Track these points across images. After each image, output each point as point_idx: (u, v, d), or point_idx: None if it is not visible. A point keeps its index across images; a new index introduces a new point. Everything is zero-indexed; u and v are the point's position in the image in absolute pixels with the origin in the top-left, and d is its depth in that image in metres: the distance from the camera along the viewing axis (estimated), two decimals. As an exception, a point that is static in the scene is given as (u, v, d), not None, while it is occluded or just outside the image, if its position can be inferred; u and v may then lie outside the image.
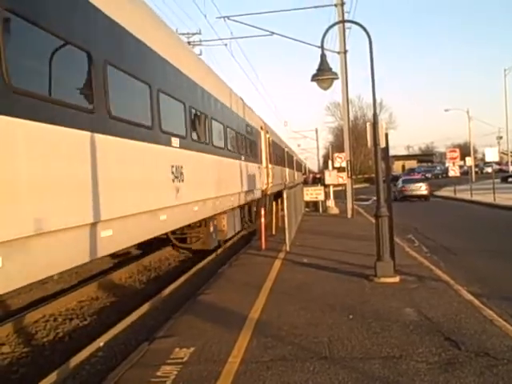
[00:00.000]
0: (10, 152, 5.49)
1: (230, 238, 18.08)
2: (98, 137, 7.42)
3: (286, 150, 41.26)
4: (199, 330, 7.37)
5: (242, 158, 19.32)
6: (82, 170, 7.01)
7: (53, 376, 6.48)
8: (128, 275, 13.55)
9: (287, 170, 39.66)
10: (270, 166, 27.17)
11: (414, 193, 38.91)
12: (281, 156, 35.59)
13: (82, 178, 7.00)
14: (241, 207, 19.51)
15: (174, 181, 10.80)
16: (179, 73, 11.88)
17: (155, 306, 10.05)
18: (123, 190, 8.34)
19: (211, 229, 15.17)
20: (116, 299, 11.17)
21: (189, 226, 14.10)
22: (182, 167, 11.28)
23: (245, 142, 20.47)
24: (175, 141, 11.07)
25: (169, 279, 12.65)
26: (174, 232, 14.29)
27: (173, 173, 10.76)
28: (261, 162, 24.85)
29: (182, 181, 11.29)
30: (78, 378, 6.70)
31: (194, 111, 12.86)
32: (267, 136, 27.51)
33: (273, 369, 5.77)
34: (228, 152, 16.77)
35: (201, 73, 14.58)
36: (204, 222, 14.88)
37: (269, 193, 26.46)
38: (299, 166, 64.66)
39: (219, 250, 16.48)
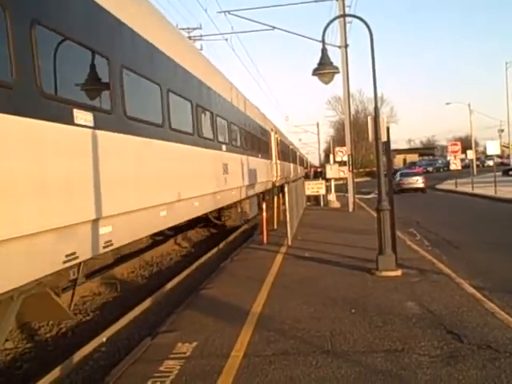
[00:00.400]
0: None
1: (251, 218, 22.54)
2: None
3: (291, 147, 45.33)
4: (202, 325, 7.38)
5: (259, 155, 24.21)
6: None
7: (56, 371, 6.50)
8: (130, 270, 13.57)
9: (291, 164, 43.48)
10: (278, 161, 30.59)
11: (411, 186, 40.12)
12: (286, 152, 39.54)
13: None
14: (257, 195, 23.89)
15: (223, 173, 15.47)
16: (223, 99, 16.60)
17: (158, 300, 10.07)
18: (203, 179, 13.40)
19: (239, 210, 19.79)
20: (118, 294, 11.20)
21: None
22: (227, 165, 15.99)
23: (260, 143, 25.45)
24: (224, 147, 15.94)
25: (171, 274, 12.67)
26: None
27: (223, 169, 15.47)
28: (271, 159, 28.62)
29: (228, 173, 16.02)
30: (81, 373, 6.72)
31: (236, 127, 18.59)
32: (276, 136, 31.12)
33: (275, 363, 5.78)
34: (252, 152, 21.70)
35: (230, 91, 18.44)
36: (235, 204, 18.94)
37: (277, 184, 29.38)
38: (302, 161, 67.22)
39: (221, 245, 16.54)
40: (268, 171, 26.85)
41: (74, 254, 6.52)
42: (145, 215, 8.98)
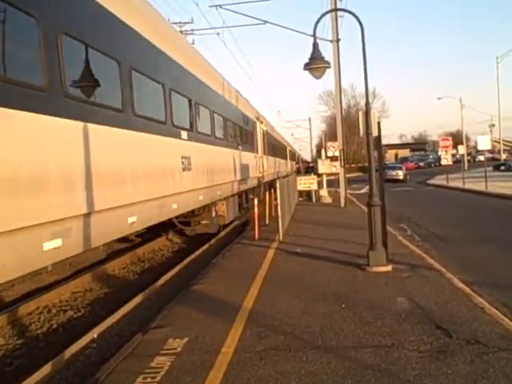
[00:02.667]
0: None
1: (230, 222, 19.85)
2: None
3: (281, 140, 44.20)
4: (193, 321, 7.41)
5: (240, 148, 20.69)
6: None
7: (47, 367, 6.50)
8: (122, 266, 13.56)
9: (281, 160, 41.69)
10: (264, 156, 27.97)
11: (393, 177, 48.59)
12: (276, 146, 37.44)
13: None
14: (238, 194, 20.94)
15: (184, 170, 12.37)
16: (188, 73, 13.37)
17: (149, 296, 10.07)
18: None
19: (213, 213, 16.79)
20: (110, 290, 11.19)
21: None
22: (189, 158, 12.83)
23: (242, 133, 21.97)
24: (184, 134, 12.47)
25: (162, 270, 12.67)
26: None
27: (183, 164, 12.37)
28: (256, 152, 25.64)
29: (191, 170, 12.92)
30: (73, 369, 6.72)
31: (206, 111, 15.17)
32: (262, 126, 28.27)
33: (266, 358, 5.81)
34: (228, 143, 18.31)
35: (205, 69, 15.92)
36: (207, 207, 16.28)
37: (264, 181, 27.25)
38: (293, 156, 65.93)
39: (212, 241, 16.52)
40: (253, 167, 23.82)
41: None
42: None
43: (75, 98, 7.26)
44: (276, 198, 15.78)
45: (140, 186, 9.37)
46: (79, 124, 7.26)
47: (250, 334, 6.65)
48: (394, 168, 53.18)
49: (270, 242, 14.10)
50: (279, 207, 15.00)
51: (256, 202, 16.42)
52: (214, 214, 16.46)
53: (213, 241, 16.56)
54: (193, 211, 14.86)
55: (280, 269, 10.71)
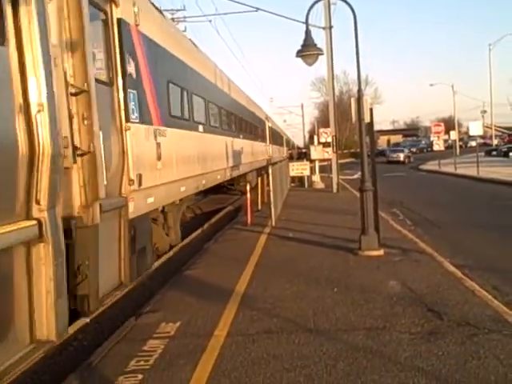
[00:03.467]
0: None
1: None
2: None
3: (278, 130, 51.81)
4: (185, 305, 7.43)
5: (259, 139, 28.92)
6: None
7: (39, 352, 6.49)
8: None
9: (280, 147, 48.82)
10: (269, 145, 34.72)
11: (395, 159, 55.98)
12: (276, 136, 45.20)
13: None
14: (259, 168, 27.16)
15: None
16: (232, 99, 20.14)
17: (141, 281, 10.07)
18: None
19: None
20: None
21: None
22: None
23: (258, 130, 29.25)
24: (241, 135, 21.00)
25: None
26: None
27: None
28: (266, 142, 32.30)
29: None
30: (66, 353, 6.73)
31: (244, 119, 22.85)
32: (268, 124, 35.39)
33: (258, 341, 5.84)
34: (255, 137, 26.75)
35: (237, 92, 22.40)
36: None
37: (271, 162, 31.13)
38: (288, 143, 68.40)
39: (205, 226, 16.55)
40: (264, 152, 31.01)
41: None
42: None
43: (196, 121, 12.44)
44: (268, 184, 15.79)
45: (218, 162, 15.28)
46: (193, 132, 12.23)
47: (243, 318, 6.68)
48: (395, 151, 60.13)
49: (263, 228, 14.13)
50: (272, 193, 15.01)
51: (248, 187, 16.42)
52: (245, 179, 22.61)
53: (205, 226, 16.57)
54: (234, 178, 20.25)
55: (272, 254, 10.74)
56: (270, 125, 37.80)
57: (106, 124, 6.60)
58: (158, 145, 8.81)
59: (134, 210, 7.31)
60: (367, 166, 10.41)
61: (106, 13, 6.98)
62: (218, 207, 21.69)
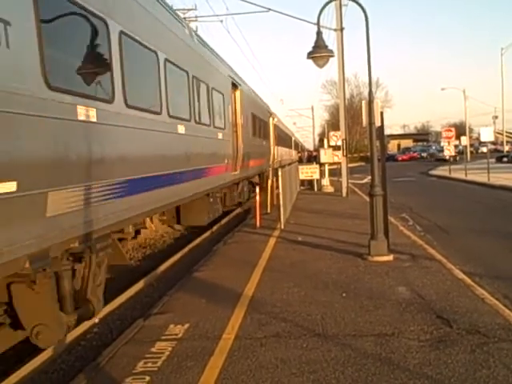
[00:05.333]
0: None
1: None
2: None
3: (287, 132, 49.39)
4: (194, 307, 7.43)
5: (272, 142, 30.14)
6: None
7: (49, 351, 6.53)
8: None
9: (287, 149, 45.19)
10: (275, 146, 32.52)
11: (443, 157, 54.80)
12: (282, 137, 40.67)
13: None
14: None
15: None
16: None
17: (150, 282, 10.11)
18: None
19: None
20: (111, 276, 11.20)
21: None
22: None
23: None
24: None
25: (164, 256, 12.69)
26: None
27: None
28: (269, 141, 29.39)
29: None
30: (74, 353, 6.77)
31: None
32: (273, 121, 32.25)
33: (266, 345, 5.84)
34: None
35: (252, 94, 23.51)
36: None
37: (277, 163, 31.08)
38: (297, 145, 67.65)
39: (214, 228, 16.56)
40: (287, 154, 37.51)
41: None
42: None
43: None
44: (278, 187, 15.78)
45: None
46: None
47: (251, 321, 6.67)
48: (442, 150, 59.79)
49: (272, 230, 14.11)
50: (281, 196, 15.00)
51: (258, 190, 16.42)
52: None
53: (214, 228, 16.59)
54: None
55: (281, 257, 10.72)
56: (290, 134, 40.26)
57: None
58: (277, 150, 22.68)
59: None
60: (377, 170, 10.39)
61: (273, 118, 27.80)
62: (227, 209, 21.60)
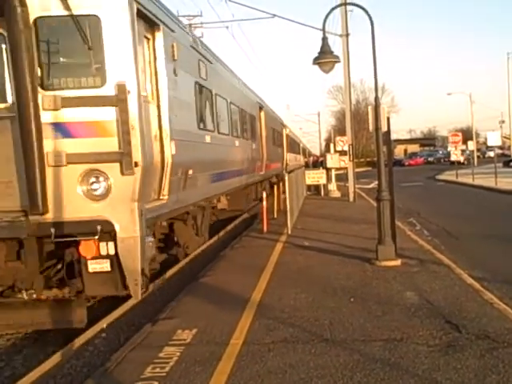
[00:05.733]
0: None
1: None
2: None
3: (296, 140, 53.04)
4: (201, 312, 7.43)
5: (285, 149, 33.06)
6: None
7: (57, 356, 6.54)
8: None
9: (296, 155, 50.02)
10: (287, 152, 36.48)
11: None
12: (292, 144, 45.12)
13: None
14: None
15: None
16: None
17: (158, 287, 10.09)
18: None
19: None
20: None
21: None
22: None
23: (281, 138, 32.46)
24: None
25: (171, 261, 12.67)
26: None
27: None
28: (282, 148, 32.80)
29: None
30: (82, 358, 6.76)
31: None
32: (285, 131, 36.09)
33: (274, 350, 5.83)
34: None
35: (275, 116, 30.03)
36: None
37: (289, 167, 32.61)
38: (304, 151, 69.18)
39: (221, 233, 16.57)
40: (296, 159, 41.16)
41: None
42: None
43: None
44: (284, 192, 15.77)
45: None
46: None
47: (259, 326, 6.66)
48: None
49: (279, 236, 14.10)
50: (288, 201, 14.99)
51: (264, 195, 16.41)
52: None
53: (221, 233, 16.58)
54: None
55: (288, 262, 10.71)
56: (301, 145, 48.30)
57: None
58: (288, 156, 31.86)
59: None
60: (384, 175, 10.37)
61: (285, 129, 34.90)
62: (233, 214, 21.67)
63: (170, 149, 8.25)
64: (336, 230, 14.91)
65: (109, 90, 6.89)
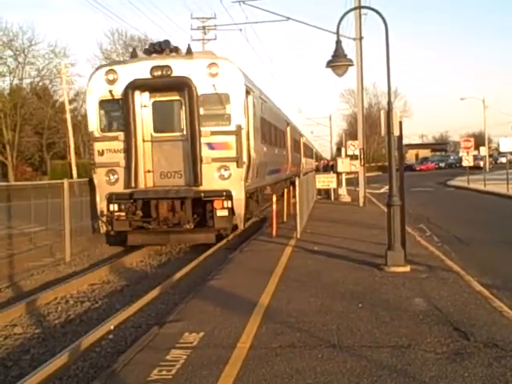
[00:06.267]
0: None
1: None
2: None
3: (310, 146, 59.87)
4: (209, 315, 7.42)
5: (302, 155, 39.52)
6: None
7: (63, 357, 6.56)
8: (139, 259, 13.67)
9: (310, 159, 56.80)
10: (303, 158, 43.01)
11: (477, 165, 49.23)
12: (308, 150, 53.98)
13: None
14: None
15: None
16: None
17: (166, 290, 10.12)
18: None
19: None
20: (127, 283, 11.27)
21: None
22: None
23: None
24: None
25: (179, 264, 12.72)
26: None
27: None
28: (300, 154, 39.20)
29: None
30: (89, 359, 6.78)
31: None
32: (302, 140, 42.80)
33: (281, 355, 5.81)
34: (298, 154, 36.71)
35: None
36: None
37: (303, 170, 38.28)
38: (316, 156, 70.77)
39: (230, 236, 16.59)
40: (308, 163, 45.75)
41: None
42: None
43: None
44: (294, 196, 15.75)
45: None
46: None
47: (266, 331, 6.65)
48: (476, 158, 58.30)
49: (288, 239, 14.08)
50: (298, 205, 14.95)
51: (274, 199, 16.40)
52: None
53: (230, 236, 16.59)
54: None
55: (297, 266, 10.69)
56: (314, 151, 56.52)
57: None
58: (304, 160, 41.02)
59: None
60: (395, 180, 10.32)
61: (302, 137, 43.90)
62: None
63: (253, 156, 15.34)
64: (345, 234, 14.86)
65: (232, 127, 14.11)
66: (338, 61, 10.76)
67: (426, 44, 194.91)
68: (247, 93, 14.89)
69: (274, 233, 15.15)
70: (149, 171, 14.45)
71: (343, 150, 32.47)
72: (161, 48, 14.51)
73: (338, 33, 10.85)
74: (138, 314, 8.62)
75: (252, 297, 8.26)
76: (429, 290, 8.41)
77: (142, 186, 14.28)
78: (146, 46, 15.33)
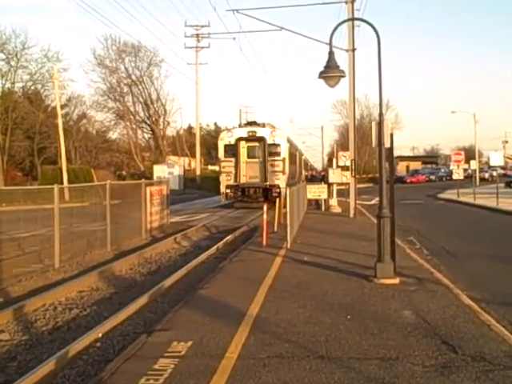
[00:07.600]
0: None
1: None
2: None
3: (307, 161, 72.98)
4: (197, 324, 7.40)
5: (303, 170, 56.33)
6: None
7: (50, 365, 6.51)
8: (129, 267, 13.61)
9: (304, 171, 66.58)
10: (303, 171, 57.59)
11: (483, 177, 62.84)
12: (306, 165, 68.21)
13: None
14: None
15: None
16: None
17: (154, 298, 10.08)
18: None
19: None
20: (116, 290, 11.22)
21: None
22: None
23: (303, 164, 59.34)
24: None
25: (169, 272, 12.69)
26: None
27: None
28: (301, 168, 53.08)
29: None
30: (76, 367, 6.74)
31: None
32: (302, 157, 57.24)
33: (269, 366, 5.80)
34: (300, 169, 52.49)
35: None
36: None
37: (301, 180, 46.80)
38: (306, 166, 73.30)
39: (220, 245, 16.58)
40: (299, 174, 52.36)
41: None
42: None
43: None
44: (285, 206, 15.76)
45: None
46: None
47: (254, 341, 6.64)
48: (483, 170, 64.47)
49: (278, 250, 14.08)
50: (288, 215, 14.96)
51: (265, 208, 16.40)
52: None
53: (220, 245, 16.58)
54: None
55: (286, 277, 10.69)
56: (304, 158, 62.81)
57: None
58: (303, 172, 57.27)
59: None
60: (385, 192, 10.36)
61: (302, 156, 61.08)
62: (234, 226, 21.71)
63: (287, 170, 32.01)
64: (335, 245, 14.88)
65: (280, 157, 31.93)
66: (330, 72, 10.80)
67: (418, 56, 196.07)
68: (287, 142, 32.61)
69: (264, 242, 15.15)
70: (244, 175, 31.21)
71: (334, 160, 32.60)
72: (251, 123, 34.04)
73: (330, 44, 10.90)
74: (126, 322, 8.58)
75: (241, 307, 8.25)
76: (418, 303, 8.43)
77: (242, 181, 31.20)
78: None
